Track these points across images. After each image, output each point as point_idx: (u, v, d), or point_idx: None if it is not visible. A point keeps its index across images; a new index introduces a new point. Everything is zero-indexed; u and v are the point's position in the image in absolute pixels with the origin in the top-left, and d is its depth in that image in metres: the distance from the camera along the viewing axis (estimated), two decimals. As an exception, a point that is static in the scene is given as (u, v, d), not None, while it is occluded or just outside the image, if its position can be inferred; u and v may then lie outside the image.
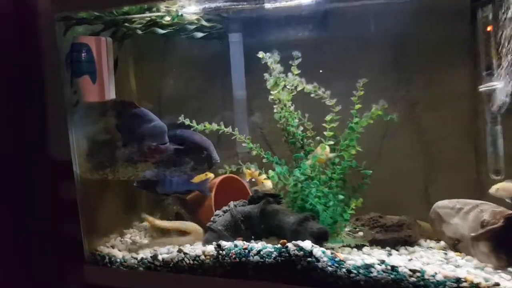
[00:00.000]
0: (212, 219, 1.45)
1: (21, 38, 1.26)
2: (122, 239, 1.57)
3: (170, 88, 1.79)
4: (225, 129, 1.34)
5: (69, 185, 1.40)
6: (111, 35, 1.38)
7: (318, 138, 1.36)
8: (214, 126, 1.32)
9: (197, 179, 1.55)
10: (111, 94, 1.32)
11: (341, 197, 1.31)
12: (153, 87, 1.78)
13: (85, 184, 1.45)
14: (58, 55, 1.28)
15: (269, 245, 1.25)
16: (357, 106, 1.34)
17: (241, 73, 1.61)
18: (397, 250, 1.28)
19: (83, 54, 1.23)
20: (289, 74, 1.34)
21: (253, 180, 1.65)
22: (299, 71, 1.34)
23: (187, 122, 1.35)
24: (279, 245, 1.21)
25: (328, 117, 1.32)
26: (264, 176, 1.41)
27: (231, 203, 1.48)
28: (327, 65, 1.58)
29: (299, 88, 1.31)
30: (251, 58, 1.54)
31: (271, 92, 1.33)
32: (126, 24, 1.37)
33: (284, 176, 1.31)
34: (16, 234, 1.35)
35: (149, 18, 1.39)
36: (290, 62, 1.33)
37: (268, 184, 1.43)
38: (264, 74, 1.35)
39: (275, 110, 1.36)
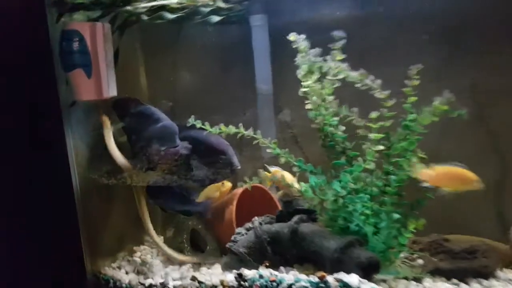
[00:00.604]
0: (233, 238, 1.26)
1: (5, 27, 1.09)
2: (131, 258, 1.38)
3: (184, 83, 1.59)
4: (244, 132, 1.11)
5: (67, 196, 1.22)
6: (111, 22, 1.19)
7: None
8: (231, 129, 1.10)
9: (210, 190, 1.34)
10: (110, 91, 1.13)
11: (396, 216, 1.05)
12: (166, 83, 1.58)
13: (87, 194, 1.27)
14: (51, 46, 1.09)
15: (303, 276, 1.03)
16: (412, 99, 1.07)
17: (266, 63, 1.38)
18: (467, 284, 1.02)
19: (74, 43, 1.05)
20: (329, 61, 1.09)
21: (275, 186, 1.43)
22: (343, 56, 1.08)
23: (198, 124, 1.13)
24: (316, 278, 0.98)
25: (374, 114, 1.06)
26: (287, 176, 1.19)
27: (256, 220, 1.25)
28: (371, 51, 1.33)
29: (340, 76, 1.06)
30: (278, 44, 1.31)
31: (303, 83, 1.09)
32: (127, 8, 1.17)
33: (321, 189, 1.07)
34: (9, 253, 1.18)
35: (155, 1, 1.18)
36: (330, 46, 1.08)
37: (294, 185, 1.20)
38: (295, 60, 1.11)
39: (308, 106, 1.12)
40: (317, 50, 1.09)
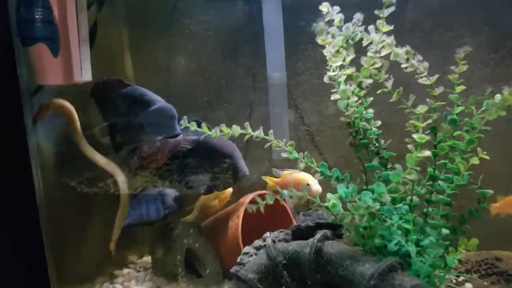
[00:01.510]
0: (238, 259, 1.07)
1: None
2: (111, 286, 1.16)
3: (180, 72, 1.38)
4: (253, 133, 0.91)
5: (28, 208, 1.00)
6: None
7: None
8: (236, 130, 0.90)
9: (206, 198, 1.20)
10: (84, 74, 0.92)
11: (445, 231, 0.86)
12: (157, 72, 1.38)
13: (54, 205, 1.06)
14: (8, 13, 0.88)
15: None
16: (459, 89, 0.88)
17: (279, 45, 1.19)
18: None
19: (36, 10, 0.84)
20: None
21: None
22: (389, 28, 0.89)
23: (192, 126, 0.92)
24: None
25: (421, 109, 0.87)
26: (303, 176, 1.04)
27: (268, 236, 1.05)
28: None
29: (383, 52, 0.86)
30: (294, 24, 1.13)
31: (333, 63, 0.89)
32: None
33: (352, 201, 0.87)
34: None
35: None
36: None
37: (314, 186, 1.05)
38: (315, 26, 0.91)
39: (336, 96, 0.92)
40: (358, 16, 0.89)
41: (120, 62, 1.34)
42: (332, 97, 0.99)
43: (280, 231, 1.12)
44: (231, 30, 1.32)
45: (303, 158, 0.95)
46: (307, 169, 0.95)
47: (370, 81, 0.90)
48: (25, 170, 0.99)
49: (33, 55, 0.87)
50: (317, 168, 0.95)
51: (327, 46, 0.98)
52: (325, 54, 0.98)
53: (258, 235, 1.14)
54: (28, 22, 0.85)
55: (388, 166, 0.99)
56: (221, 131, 0.93)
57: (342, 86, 0.97)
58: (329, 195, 0.90)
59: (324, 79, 0.97)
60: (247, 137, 0.93)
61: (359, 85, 0.91)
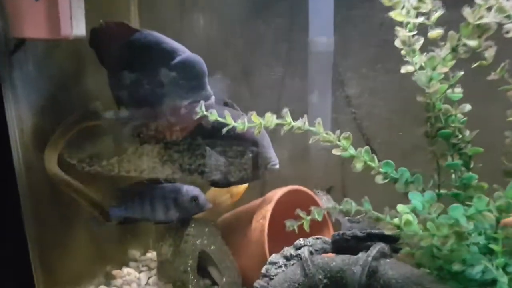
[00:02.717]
0: (264, 270, 0.90)
1: None
2: (108, 289, 1.02)
3: (197, 33, 1.17)
4: (294, 123, 0.71)
5: (8, 196, 0.85)
6: None
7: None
8: (270, 120, 0.69)
9: (217, 191, 1.05)
10: (76, 26, 0.72)
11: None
12: (169, 32, 1.17)
13: (39, 193, 0.89)
14: None
15: None
16: None
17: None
18: None
19: None
20: None
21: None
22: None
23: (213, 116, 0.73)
24: None
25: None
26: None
27: (303, 245, 0.89)
28: None
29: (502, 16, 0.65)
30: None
31: (408, 20, 0.69)
32: None
33: (430, 214, 0.68)
34: None
35: None
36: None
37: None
38: None
39: (408, 68, 0.72)
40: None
41: (126, 19, 1.13)
42: (403, 69, 0.78)
43: (317, 238, 0.95)
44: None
45: (363, 155, 0.74)
46: (366, 168, 0.75)
47: (474, 43, 0.67)
48: (3, 150, 0.81)
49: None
50: (380, 169, 0.75)
51: (397, 8, 0.76)
52: (396, 18, 0.76)
53: (289, 241, 0.95)
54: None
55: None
56: (250, 121, 0.73)
57: (417, 56, 0.76)
58: (399, 207, 0.70)
59: (396, 43, 0.76)
60: (285, 128, 0.73)
61: (454, 49, 0.69)
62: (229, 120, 0.75)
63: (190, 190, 1.02)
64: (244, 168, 1.02)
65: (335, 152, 0.75)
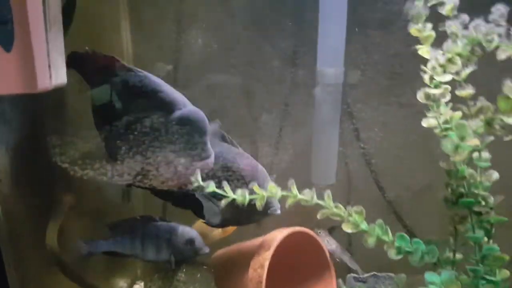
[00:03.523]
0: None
1: None
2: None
3: (194, 50, 1.10)
4: (299, 195, 0.67)
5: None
6: None
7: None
8: (274, 192, 0.66)
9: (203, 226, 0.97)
10: (54, 76, 0.64)
11: None
12: (164, 50, 1.10)
13: (20, 245, 0.84)
14: None
15: None
16: None
17: (339, 27, 0.91)
18: None
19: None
20: None
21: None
22: None
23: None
24: None
25: None
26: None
27: None
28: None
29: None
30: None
31: (434, 75, 0.64)
32: None
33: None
34: None
35: None
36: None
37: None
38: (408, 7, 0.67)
39: (430, 121, 0.67)
40: (501, 10, 0.60)
41: (115, 35, 1.05)
42: (425, 123, 0.72)
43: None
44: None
45: (376, 229, 0.69)
46: (379, 242, 0.70)
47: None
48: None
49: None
50: (390, 240, 0.69)
51: (426, 43, 0.70)
52: (423, 54, 0.70)
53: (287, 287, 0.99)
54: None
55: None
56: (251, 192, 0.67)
57: (443, 108, 0.70)
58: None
59: (418, 97, 0.70)
60: (290, 202, 0.67)
61: (489, 122, 0.63)
62: (228, 192, 0.69)
63: (186, 232, 0.97)
64: (243, 210, 0.96)
65: (345, 228, 0.69)
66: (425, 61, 0.73)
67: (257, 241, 1.05)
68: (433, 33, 0.73)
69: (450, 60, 0.64)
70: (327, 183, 1.04)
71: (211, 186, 0.68)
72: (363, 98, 1.04)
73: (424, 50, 0.74)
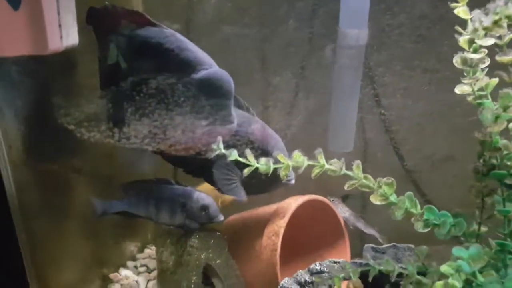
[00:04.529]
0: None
1: None
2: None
3: (207, 9, 1.05)
4: (327, 165, 0.64)
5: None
6: None
7: None
8: (301, 160, 0.64)
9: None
10: (65, 36, 0.61)
11: None
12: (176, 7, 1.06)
13: (29, 204, 0.83)
14: None
15: None
16: None
17: None
18: None
19: None
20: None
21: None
22: None
23: None
24: None
25: None
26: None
27: (318, 270, 0.86)
28: None
29: None
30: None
31: (476, 39, 0.60)
32: None
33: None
34: None
35: None
36: None
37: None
38: None
39: (464, 88, 0.64)
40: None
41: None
42: (458, 89, 0.69)
43: (334, 262, 0.90)
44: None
45: (405, 202, 0.67)
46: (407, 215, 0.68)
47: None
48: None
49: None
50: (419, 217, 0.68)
51: (462, 1, 0.65)
52: (460, 14, 0.65)
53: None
54: None
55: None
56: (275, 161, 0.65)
57: (479, 74, 0.67)
58: (443, 267, 0.64)
59: (454, 61, 0.66)
60: (316, 171, 0.65)
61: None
62: (252, 161, 0.66)
63: (201, 197, 0.96)
64: (256, 179, 0.94)
65: (374, 200, 0.67)
66: (452, 24, 0.69)
67: (271, 208, 1.04)
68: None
69: (496, 23, 0.60)
70: (345, 150, 1.02)
71: (233, 155, 0.66)
72: (385, 61, 0.99)
73: (460, 10, 0.70)
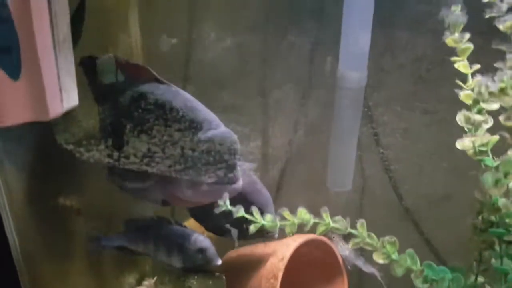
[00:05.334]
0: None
1: None
2: None
3: (207, 45, 1.06)
4: (332, 224, 0.67)
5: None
6: None
7: None
8: (307, 218, 0.67)
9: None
10: (66, 99, 0.61)
11: None
12: (175, 42, 1.06)
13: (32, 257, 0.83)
14: None
15: None
16: None
17: (364, 26, 0.87)
18: None
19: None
20: None
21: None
22: None
23: None
24: None
25: None
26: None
27: None
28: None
29: None
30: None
31: (480, 100, 0.62)
32: None
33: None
34: None
35: None
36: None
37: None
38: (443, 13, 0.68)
39: (465, 143, 0.68)
40: None
41: (122, 26, 1.00)
42: (459, 145, 0.70)
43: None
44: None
45: (407, 259, 0.68)
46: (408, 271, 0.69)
47: None
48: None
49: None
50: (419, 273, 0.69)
51: (463, 56, 0.67)
52: (460, 69, 0.67)
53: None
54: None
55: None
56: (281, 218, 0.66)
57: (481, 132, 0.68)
58: None
59: (458, 119, 0.67)
60: (321, 229, 0.65)
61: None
62: (258, 218, 0.67)
63: (199, 240, 0.96)
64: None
65: (376, 258, 0.68)
66: (451, 66, 0.71)
67: (269, 247, 1.05)
68: (471, 46, 0.70)
69: (503, 91, 0.60)
70: (343, 189, 1.03)
71: (240, 212, 0.67)
72: (385, 102, 1.00)
73: (460, 64, 0.71)
